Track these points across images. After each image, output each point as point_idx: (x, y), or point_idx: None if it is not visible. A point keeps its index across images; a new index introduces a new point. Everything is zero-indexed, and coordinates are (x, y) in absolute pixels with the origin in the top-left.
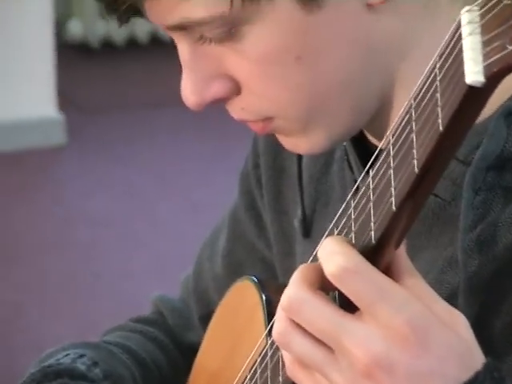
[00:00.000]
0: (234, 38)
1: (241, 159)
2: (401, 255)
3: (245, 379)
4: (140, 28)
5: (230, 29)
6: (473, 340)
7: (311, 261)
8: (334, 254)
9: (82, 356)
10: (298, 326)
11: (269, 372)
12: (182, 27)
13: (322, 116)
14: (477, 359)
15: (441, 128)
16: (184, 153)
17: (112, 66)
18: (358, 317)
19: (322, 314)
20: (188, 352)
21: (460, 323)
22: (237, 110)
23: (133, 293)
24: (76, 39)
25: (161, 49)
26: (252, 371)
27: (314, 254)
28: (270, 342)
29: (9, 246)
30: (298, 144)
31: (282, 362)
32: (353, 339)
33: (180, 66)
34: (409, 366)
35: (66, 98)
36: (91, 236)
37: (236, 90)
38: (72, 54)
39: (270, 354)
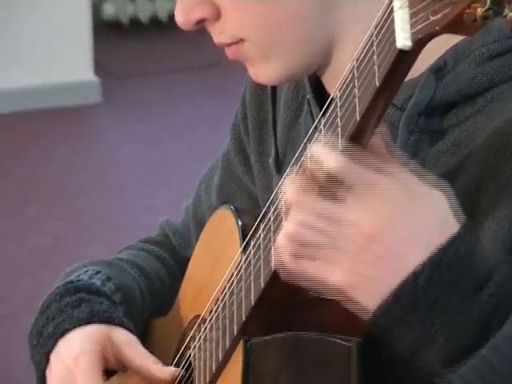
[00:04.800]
0: None
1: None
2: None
3: (224, 288)
4: (161, 8)
5: None
6: (449, 210)
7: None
8: (328, 154)
9: (98, 272)
10: (302, 219)
11: (243, 282)
12: None
13: (280, 45)
14: (453, 226)
15: (377, 83)
16: (196, 111)
17: (138, 39)
18: (348, 203)
19: (322, 203)
20: (186, 267)
21: (436, 195)
22: (216, 33)
23: (153, 224)
24: (110, 18)
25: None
26: (229, 282)
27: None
28: (243, 258)
29: (53, 186)
30: (260, 73)
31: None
32: (346, 221)
33: (191, 41)
34: (395, 234)
35: (101, 65)
36: (120, 179)
37: (216, 15)
38: (106, 30)
39: (244, 267)
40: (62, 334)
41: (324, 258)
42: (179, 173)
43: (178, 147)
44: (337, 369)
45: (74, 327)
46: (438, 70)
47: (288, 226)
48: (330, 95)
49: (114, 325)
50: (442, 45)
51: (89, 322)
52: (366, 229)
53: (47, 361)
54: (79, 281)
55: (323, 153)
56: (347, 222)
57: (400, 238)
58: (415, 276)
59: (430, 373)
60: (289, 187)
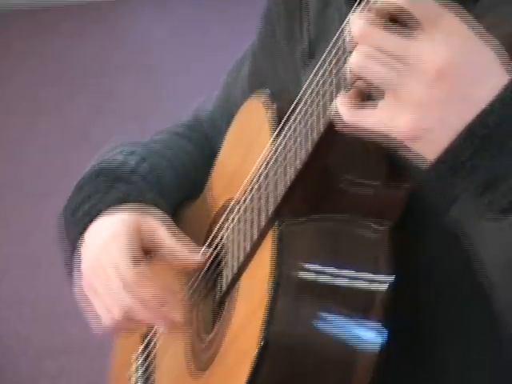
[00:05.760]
0: None
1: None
2: None
3: (260, 168)
4: None
5: None
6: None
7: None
8: None
9: (132, 153)
10: (373, 49)
11: (278, 164)
12: None
13: None
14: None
15: None
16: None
17: None
18: (422, 31)
19: (390, 36)
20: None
21: (492, 39)
22: None
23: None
24: None
25: None
26: (265, 163)
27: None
28: (278, 141)
29: (78, 73)
30: None
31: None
32: (423, 48)
33: None
34: (470, 65)
35: None
36: (158, 56)
37: None
38: None
39: (279, 151)
40: (98, 213)
41: (389, 101)
42: (218, 50)
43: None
44: (369, 252)
45: (110, 206)
46: None
47: (352, 60)
48: None
49: (149, 204)
50: None
51: (124, 201)
52: (439, 63)
53: (82, 239)
54: (115, 160)
55: None
56: (418, 55)
57: (469, 77)
58: (486, 112)
59: (495, 213)
60: (355, 20)
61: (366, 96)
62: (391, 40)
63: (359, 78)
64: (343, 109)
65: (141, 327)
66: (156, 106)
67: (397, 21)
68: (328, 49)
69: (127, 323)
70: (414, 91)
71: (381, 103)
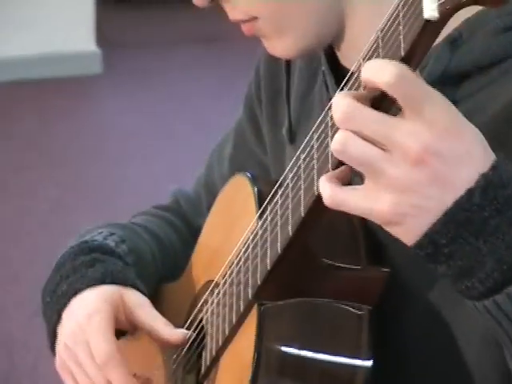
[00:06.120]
0: None
1: (242, 87)
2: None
3: (239, 253)
4: None
5: None
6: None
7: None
8: (386, 65)
9: (112, 234)
10: (354, 133)
11: (259, 247)
12: None
13: (292, 20)
14: (492, 153)
15: (402, 53)
16: (196, 83)
17: (139, 11)
18: (404, 117)
19: (374, 117)
20: (197, 234)
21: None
22: (230, 10)
23: (152, 189)
24: None
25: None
26: (245, 247)
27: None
28: (259, 224)
29: (55, 153)
30: (275, 46)
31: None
32: (403, 133)
33: (192, 14)
34: (451, 152)
35: (102, 36)
36: (120, 147)
37: None
38: (108, 3)
39: (260, 234)
40: (76, 292)
41: (369, 184)
42: (178, 140)
43: (178, 117)
44: (347, 336)
45: (88, 286)
46: (453, 41)
47: (334, 142)
48: (344, 67)
49: (127, 286)
50: (453, 18)
51: (102, 281)
52: (419, 148)
53: (59, 318)
54: (94, 241)
55: (380, 63)
56: (399, 139)
57: (449, 163)
58: (470, 193)
59: (473, 298)
60: (339, 102)
61: (351, 177)
62: (373, 123)
63: (341, 161)
64: (325, 188)
65: None
66: (121, 192)
67: (383, 102)
68: (310, 133)
69: None
70: (393, 176)
71: (362, 185)
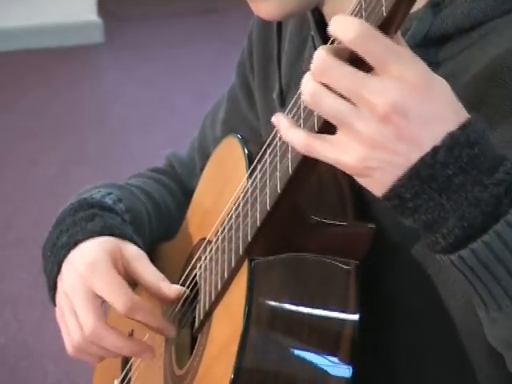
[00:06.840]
0: None
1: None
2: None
3: (230, 212)
4: None
5: None
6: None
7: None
8: (352, 23)
9: (110, 193)
10: (326, 86)
11: (249, 204)
12: None
13: None
14: (464, 112)
15: (384, 14)
16: (194, 55)
17: None
18: (374, 74)
19: (346, 73)
20: (190, 195)
21: (445, 83)
22: None
23: (152, 158)
24: None
25: None
26: (236, 205)
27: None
28: (249, 182)
29: (58, 121)
30: (260, 8)
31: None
32: (372, 90)
33: None
34: (419, 110)
35: (103, 7)
36: (121, 115)
37: None
38: None
39: (250, 191)
40: (75, 244)
41: (340, 136)
42: (177, 112)
43: (177, 88)
44: (335, 290)
45: (87, 238)
46: (436, 5)
47: (307, 89)
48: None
49: (125, 240)
50: None
51: (101, 234)
52: (387, 104)
53: (59, 269)
54: (93, 198)
55: (344, 20)
56: (369, 94)
57: (417, 121)
58: (435, 151)
59: (438, 252)
60: (319, 52)
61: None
62: (344, 78)
63: (313, 110)
64: (300, 135)
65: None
66: (121, 158)
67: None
68: (298, 93)
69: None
70: (361, 130)
71: (334, 136)
